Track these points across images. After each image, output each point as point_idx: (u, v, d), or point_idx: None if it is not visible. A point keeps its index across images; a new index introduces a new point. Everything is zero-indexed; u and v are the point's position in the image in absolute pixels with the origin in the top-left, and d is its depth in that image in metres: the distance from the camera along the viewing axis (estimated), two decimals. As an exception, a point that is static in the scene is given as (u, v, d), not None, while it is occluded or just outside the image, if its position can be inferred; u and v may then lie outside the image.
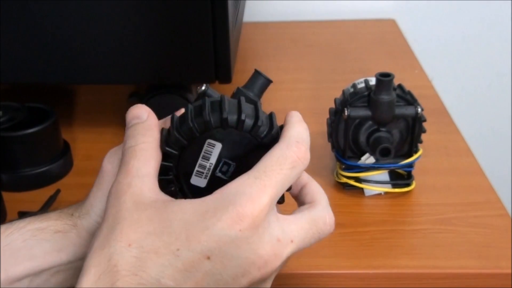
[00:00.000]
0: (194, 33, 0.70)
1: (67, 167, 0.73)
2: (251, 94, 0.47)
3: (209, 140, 0.42)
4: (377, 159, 0.66)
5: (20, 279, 0.45)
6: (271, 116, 0.43)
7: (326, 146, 0.71)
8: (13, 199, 0.67)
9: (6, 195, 0.66)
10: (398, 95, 0.65)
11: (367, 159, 0.66)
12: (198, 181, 0.43)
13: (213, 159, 0.42)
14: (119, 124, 0.83)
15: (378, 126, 0.65)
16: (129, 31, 0.70)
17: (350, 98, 0.66)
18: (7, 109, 0.71)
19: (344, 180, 0.68)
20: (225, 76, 0.72)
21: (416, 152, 0.67)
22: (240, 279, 0.37)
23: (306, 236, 0.40)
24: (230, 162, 0.42)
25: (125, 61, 0.72)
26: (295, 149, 0.40)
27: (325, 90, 0.91)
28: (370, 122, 0.65)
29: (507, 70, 1.27)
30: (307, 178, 0.45)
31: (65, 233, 0.47)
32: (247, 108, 0.43)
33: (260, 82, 0.49)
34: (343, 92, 0.68)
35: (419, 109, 0.64)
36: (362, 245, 0.61)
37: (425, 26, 1.24)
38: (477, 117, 1.29)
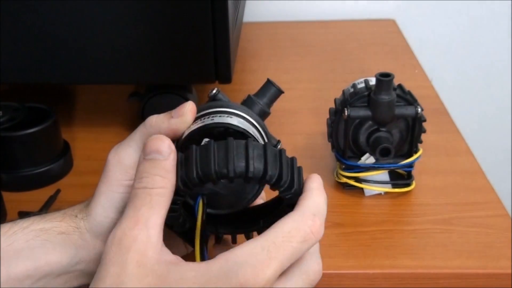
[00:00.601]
0: (194, 33, 0.70)
1: (67, 167, 0.73)
2: (261, 103, 0.48)
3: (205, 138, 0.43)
4: (377, 159, 0.66)
5: (21, 279, 0.45)
6: (298, 172, 0.41)
7: (326, 146, 0.71)
8: (13, 199, 0.67)
9: (6, 195, 0.66)
10: (398, 95, 0.65)
11: (367, 159, 0.66)
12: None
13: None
14: (119, 124, 0.83)
15: (378, 126, 0.65)
16: (129, 31, 0.70)
17: (350, 98, 0.66)
18: (7, 109, 0.71)
19: (344, 180, 0.68)
20: (225, 76, 0.72)
21: (416, 152, 0.67)
22: None
23: None
24: None
25: (125, 61, 0.72)
26: (310, 222, 0.38)
27: (325, 90, 0.91)
28: (370, 122, 0.65)
29: (507, 70, 1.27)
30: None
31: (68, 235, 0.47)
32: (271, 162, 0.40)
33: (271, 91, 0.49)
34: (343, 92, 0.68)
35: (419, 109, 0.64)
36: (362, 245, 0.60)
37: (425, 26, 1.24)
38: (477, 117, 1.29)
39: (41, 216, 0.48)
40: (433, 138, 0.76)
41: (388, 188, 0.67)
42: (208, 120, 0.45)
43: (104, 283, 0.37)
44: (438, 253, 0.59)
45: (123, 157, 0.47)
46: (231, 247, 0.38)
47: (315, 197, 0.40)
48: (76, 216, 0.48)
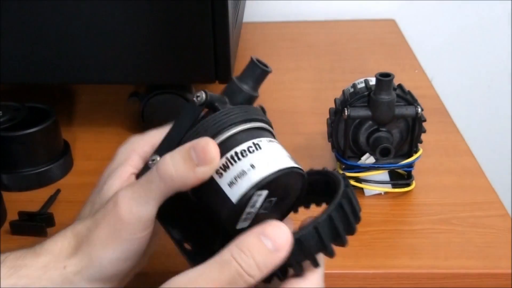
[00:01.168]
0: (194, 33, 0.70)
1: (67, 167, 0.73)
2: (246, 88, 0.44)
3: (257, 191, 0.40)
4: (377, 159, 0.66)
5: None
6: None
7: (326, 146, 0.71)
8: (13, 199, 0.67)
9: (6, 195, 0.66)
10: (398, 95, 0.65)
11: (367, 159, 0.66)
12: (242, 225, 0.42)
13: (258, 204, 0.41)
14: (119, 124, 0.83)
15: (378, 126, 0.65)
16: (129, 31, 0.70)
17: (350, 98, 0.66)
18: (7, 109, 0.71)
19: (344, 180, 0.68)
20: (225, 76, 0.72)
21: (416, 152, 0.67)
22: None
23: None
24: (272, 198, 0.42)
25: (125, 61, 0.72)
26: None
27: (325, 90, 0.91)
28: (370, 122, 0.65)
29: (507, 70, 1.27)
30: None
31: None
32: None
33: (257, 72, 0.45)
34: (343, 92, 0.68)
35: (419, 109, 0.64)
36: (362, 245, 0.60)
37: (425, 26, 1.24)
38: (477, 117, 1.29)
39: (16, 256, 0.42)
40: (433, 138, 0.76)
41: (388, 188, 0.67)
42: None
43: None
44: (438, 253, 0.59)
45: (141, 215, 0.41)
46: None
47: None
48: (65, 267, 0.42)
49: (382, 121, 0.65)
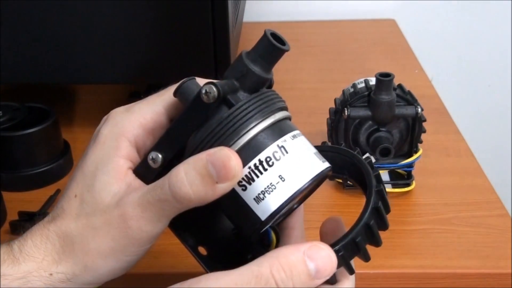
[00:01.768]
0: (194, 32, 0.70)
1: (67, 167, 0.73)
2: (257, 69, 0.37)
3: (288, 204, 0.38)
4: (377, 159, 0.66)
5: None
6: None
7: (326, 146, 0.71)
8: (13, 199, 0.67)
9: (6, 195, 0.66)
10: (398, 95, 0.65)
11: (367, 159, 0.66)
12: None
13: (284, 210, 0.38)
14: (119, 124, 0.83)
15: (378, 126, 0.65)
16: (129, 31, 0.70)
17: (350, 98, 0.66)
18: (7, 109, 0.71)
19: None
20: (225, 76, 0.72)
21: (416, 152, 0.67)
22: None
23: None
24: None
25: (125, 61, 0.72)
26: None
27: (325, 90, 0.91)
28: (370, 122, 0.65)
29: (507, 70, 1.27)
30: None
31: None
32: None
33: (271, 50, 0.37)
34: (343, 92, 0.68)
35: (419, 109, 0.64)
36: (362, 245, 0.60)
37: (425, 26, 1.24)
38: (477, 117, 1.29)
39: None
40: (433, 138, 0.76)
41: (388, 188, 0.67)
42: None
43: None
44: (438, 253, 0.59)
45: (153, 233, 0.38)
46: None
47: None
48: (51, 275, 0.38)
49: (382, 121, 0.65)
